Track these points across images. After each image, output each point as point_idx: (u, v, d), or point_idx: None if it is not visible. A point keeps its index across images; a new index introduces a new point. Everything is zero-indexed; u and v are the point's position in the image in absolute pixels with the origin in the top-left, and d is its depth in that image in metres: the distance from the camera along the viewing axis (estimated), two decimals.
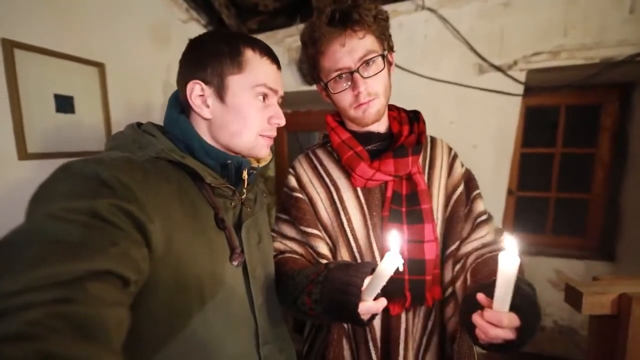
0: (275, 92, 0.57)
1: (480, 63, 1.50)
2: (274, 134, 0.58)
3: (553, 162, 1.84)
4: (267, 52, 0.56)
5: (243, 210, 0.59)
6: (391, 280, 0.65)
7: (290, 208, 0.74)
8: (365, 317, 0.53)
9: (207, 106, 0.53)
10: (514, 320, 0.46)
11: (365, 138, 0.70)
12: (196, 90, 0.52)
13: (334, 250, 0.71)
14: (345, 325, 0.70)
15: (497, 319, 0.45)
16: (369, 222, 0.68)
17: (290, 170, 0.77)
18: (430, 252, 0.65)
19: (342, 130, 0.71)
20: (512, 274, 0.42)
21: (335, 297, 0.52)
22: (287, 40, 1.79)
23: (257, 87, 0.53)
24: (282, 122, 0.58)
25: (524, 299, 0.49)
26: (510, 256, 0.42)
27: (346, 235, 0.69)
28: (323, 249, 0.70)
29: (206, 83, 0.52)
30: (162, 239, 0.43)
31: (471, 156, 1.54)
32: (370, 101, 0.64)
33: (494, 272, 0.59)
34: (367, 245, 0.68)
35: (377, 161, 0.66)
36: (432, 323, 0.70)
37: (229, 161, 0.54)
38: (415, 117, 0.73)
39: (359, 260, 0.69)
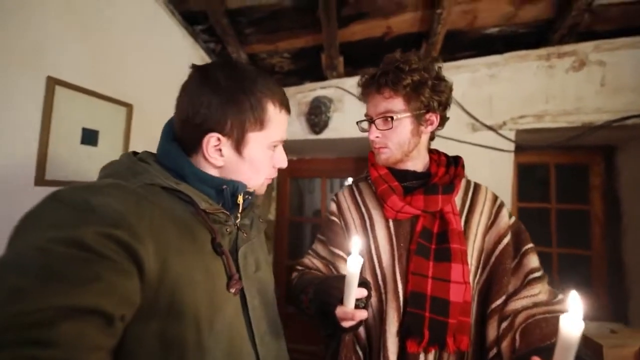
0: (284, 140, 0.59)
1: (473, 122, 1.66)
2: (276, 174, 0.61)
3: (550, 217, 1.88)
4: (283, 103, 0.57)
5: (239, 235, 0.57)
6: (410, 315, 0.64)
7: (326, 229, 0.82)
8: (345, 324, 0.54)
9: (222, 155, 0.52)
10: None
11: (402, 175, 0.76)
12: (212, 142, 0.51)
13: None
14: (360, 353, 0.69)
15: None
16: (395, 253, 0.71)
17: (334, 197, 0.86)
18: (457, 294, 0.64)
19: (381, 166, 0.77)
20: (575, 338, 0.39)
21: (322, 298, 0.59)
22: (297, 96, 1.98)
23: (273, 142, 0.56)
24: (285, 165, 0.61)
25: None
26: (574, 319, 0.38)
27: (372, 261, 0.73)
28: (345, 270, 0.72)
29: (224, 135, 0.51)
30: (155, 263, 0.40)
31: None
32: (380, 148, 0.74)
33: (547, 335, 0.58)
34: (391, 274, 0.70)
35: (409, 196, 0.71)
36: None
37: (225, 186, 0.53)
38: (454, 162, 0.78)
39: (381, 286, 0.70)
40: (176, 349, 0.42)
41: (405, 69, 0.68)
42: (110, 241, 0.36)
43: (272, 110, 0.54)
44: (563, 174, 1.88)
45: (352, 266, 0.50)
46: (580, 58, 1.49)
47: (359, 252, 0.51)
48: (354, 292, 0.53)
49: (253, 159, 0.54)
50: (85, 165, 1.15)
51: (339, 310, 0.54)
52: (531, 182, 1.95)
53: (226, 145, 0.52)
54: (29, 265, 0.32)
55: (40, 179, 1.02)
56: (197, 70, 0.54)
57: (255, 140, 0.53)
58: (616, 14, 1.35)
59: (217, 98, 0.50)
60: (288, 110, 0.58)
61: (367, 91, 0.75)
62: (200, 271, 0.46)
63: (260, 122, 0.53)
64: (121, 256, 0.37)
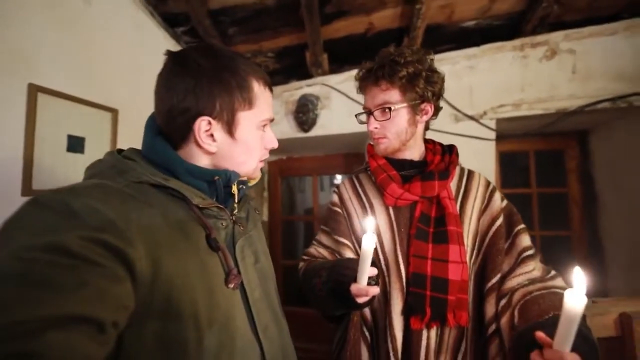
0: (272, 120, 0.59)
1: (456, 113, 1.71)
2: (268, 155, 0.61)
3: (532, 202, 1.97)
4: (266, 81, 0.56)
5: (235, 229, 0.56)
6: (413, 294, 0.68)
7: (329, 220, 0.85)
8: (360, 299, 0.60)
9: (214, 140, 0.51)
10: None
11: (399, 164, 0.79)
12: (203, 127, 0.50)
13: None
14: (367, 334, 0.72)
15: (560, 359, 0.42)
16: (396, 238, 0.75)
17: (335, 189, 0.90)
18: (455, 273, 0.68)
19: (379, 156, 0.81)
20: (578, 312, 0.39)
21: (336, 278, 0.64)
22: (284, 95, 1.99)
23: (262, 121, 0.55)
24: (276, 145, 0.60)
25: (585, 340, 0.48)
26: (578, 294, 0.40)
27: (375, 247, 0.76)
28: (350, 256, 0.78)
29: (214, 118, 0.50)
30: (147, 264, 0.39)
31: None
32: (379, 139, 0.77)
33: (544, 311, 0.59)
34: (394, 257, 0.74)
35: (407, 184, 0.75)
36: (462, 355, 0.69)
37: (216, 177, 0.52)
38: (449, 150, 0.82)
39: (384, 269, 0.74)
40: (176, 348, 0.41)
41: (401, 62, 0.71)
42: (97, 245, 0.35)
43: (258, 88, 0.53)
44: (542, 160, 1.98)
45: (367, 244, 0.53)
46: (551, 47, 1.56)
47: (373, 230, 0.54)
48: (368, 269, 0.57)
49: (245, 140, 0.53)
50: (72, 173, 1.13)
51: (354, 287, 0.59)
52: (513, 169, 2.04)
53: (217, 128, 0.51)
54: (10, 275, 0.31)
55: (27, 189, 1.00)
56: (174, 57, 0.52)
57: (246, 120, 0.52)
58: (583, 5, 1.43)
59: (201, 80, 0.49)
60: (271, 89, 0.58)
61: (365, 84, 0.78)
62: (196, 269, 0.45)
63: (248, 101, 0.52)
64: (109, 260, 0.35)
